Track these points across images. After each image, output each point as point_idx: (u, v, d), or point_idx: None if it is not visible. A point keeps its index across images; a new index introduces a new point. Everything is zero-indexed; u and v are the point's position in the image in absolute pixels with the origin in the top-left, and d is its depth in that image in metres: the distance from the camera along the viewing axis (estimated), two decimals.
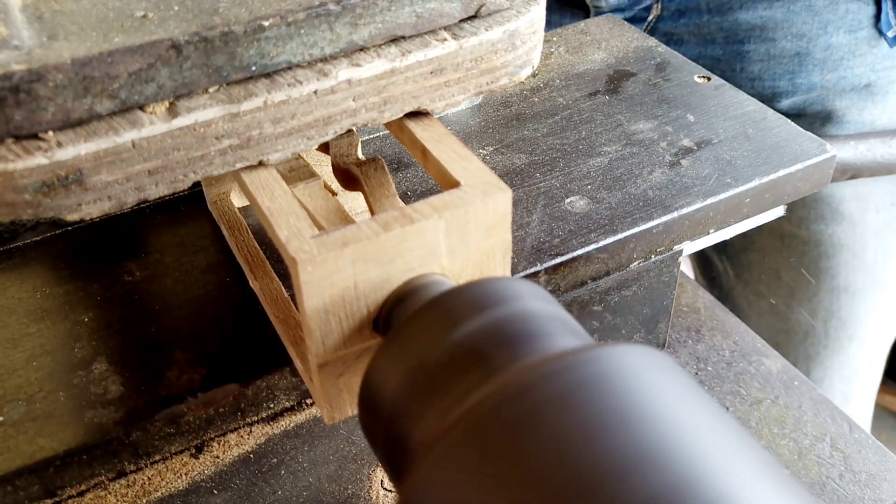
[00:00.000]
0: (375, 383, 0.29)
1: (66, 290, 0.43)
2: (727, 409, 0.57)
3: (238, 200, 0.47)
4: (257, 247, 0.43)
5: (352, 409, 0.36)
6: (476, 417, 0.23)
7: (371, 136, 0.54)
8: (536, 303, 0.29)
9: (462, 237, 0.34)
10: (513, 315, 0.28)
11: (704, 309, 0.66)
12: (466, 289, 0.29)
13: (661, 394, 0.23)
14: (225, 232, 0.45)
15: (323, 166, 0.45)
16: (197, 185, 0.47)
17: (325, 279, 0.31)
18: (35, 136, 0.30)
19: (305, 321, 0.32)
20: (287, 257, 0.31)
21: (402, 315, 0.31)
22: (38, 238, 0.47)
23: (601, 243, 0.45)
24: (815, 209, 0.77)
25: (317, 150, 0.42)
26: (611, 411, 0.22)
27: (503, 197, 0.34)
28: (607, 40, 0.63)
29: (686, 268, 2.25)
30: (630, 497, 0.19)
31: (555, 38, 0.64)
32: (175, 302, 0.42)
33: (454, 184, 0.34)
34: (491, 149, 0.52)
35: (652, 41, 0.63)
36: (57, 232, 0.47)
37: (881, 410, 1.88)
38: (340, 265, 0.31)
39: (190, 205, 0.48)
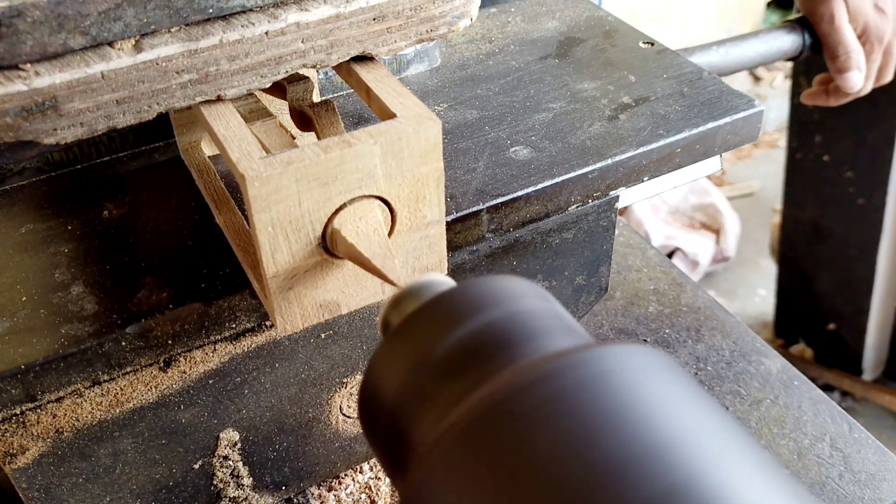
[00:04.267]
0: (376, 382, 0.29)
1: (48, 226, 0.47)
2: (727, 408, 0.56)
3: (208, 149, 0.51)
4: (223, 187, 0.47)
5: (302, 323, 0.40)
6: (475, 418, 0.23)
7: (335, 95, 0.58)
8: (536, 302, 0.29)
9: (397, 163, 0.38)
10: (512, 315, 0.28)
11: (704, 309, 0.67)
12: (465, 288, 0.29)
13: (661, 394, 0.23)
14: (195, 175, 0.49)
15: (283, 115, 0.49)
16: (169, 133, 0.51)
17: (271, 195, 0.35)
18: (16, 67, 0.34)
19: (256, 235, 0.36)
20: (237, 175, 0.35)
21: (402, 314, 0.31)
22: (24, 182, 0.51)
23: (539, 186, 0.49)
24: None
25: (277, 97, 0.46)
26: (610, 411, 0.22)
27: (434, 127, 0.38)
28: (562, 10, 0.67)
29: (686, 266, 2.26)
30: (630, 498, 0.20)
31: (513, 9, 0.68)
32: (147, 236, 0.46)
33: (391, 116, 0.38)
34: (445, 105, 0.56)
35: (603, 12, 0.67)
36: (41, 177, 0.51)
37: (881, 410, 1.91)
38: (285, 182, 0.35)
39: (164, 154, 0.52)
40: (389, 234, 0.40)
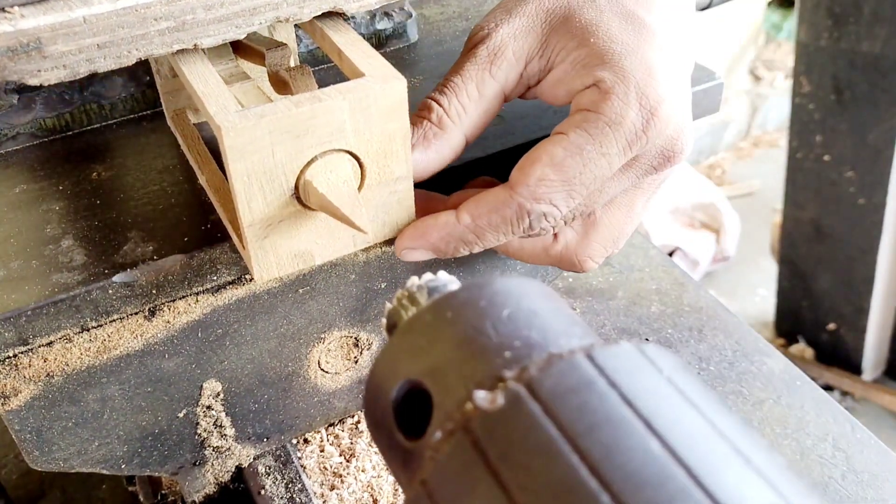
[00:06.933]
0: (382, 381, 0.29)
1: (40, 187, 0.50)
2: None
3: (193, 117, 0.54)
4: (206, 150, 0.50)
5: (278, 271, 0.43)
6: (482, 418, 0.23)
7: (317, 69, 0.60)
8: (542, 302, 0.29)
9: (365, 118, 0.40)
10: (519, 314, 0.28)
11: (707, 308, 0.67)
12: (472, 288, 0.29)
13: (668, 393, 0.23)
14: (180, 140, 0.51)
15: (263, 82, 0.52)
16: (157, 103, 0.54)
17: (246, 145, 0.38)
18: (2, 10, 0.37)
19: (232, 184, 0.39)
20: (214, 127, 0.38)
21: (408, 313, 0.32)
22: (18, 147, 0.53)
23: (500, 148, 0.51)
24: None
25: (257, 64, 0.49)
26: (617, 409, 0.22)
27: (399, 84, 0.40)
28: None
29: (686, 266, 2.27)
30: (638, 497, 0.20)
31: None
32: (134, 195, 0.49)
33: (360, 75, 0.41)
34: (421, 78, 0.59)
35: None
36: (35, 143, 0.54)
37: (881, 410, 1.92)
38: (259, 134, 0.38)
39: (152, 122, 0.55)
40: (360, 188, 0.43)
